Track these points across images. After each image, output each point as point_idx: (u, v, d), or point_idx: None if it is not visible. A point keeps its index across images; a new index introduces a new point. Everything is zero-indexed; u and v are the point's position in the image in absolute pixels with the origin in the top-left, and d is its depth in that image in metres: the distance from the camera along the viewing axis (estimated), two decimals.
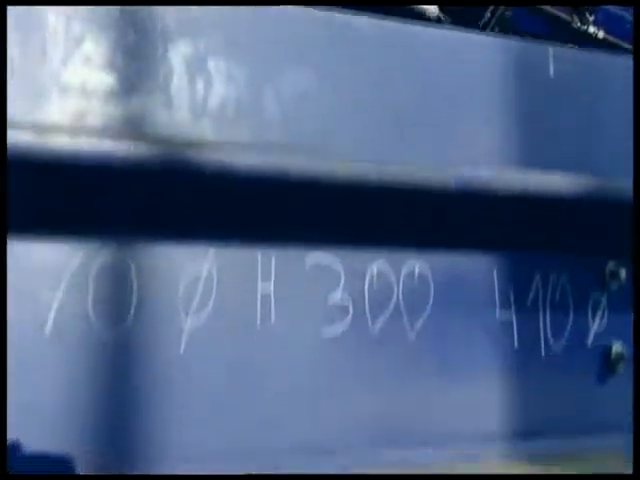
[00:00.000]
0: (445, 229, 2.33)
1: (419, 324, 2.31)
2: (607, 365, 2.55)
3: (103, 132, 1.98)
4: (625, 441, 2.30)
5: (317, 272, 2.22)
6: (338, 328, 2.23)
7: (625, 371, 2.53)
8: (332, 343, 2.21)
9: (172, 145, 2.01)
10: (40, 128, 1.87)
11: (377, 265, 2.29)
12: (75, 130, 1.94)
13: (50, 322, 1.93)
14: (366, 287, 2.28)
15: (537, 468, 2.26)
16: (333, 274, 2.24)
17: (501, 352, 2.39)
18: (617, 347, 2.56)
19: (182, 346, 2.07)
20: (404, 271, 2.32)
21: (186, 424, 2.05)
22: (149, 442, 2.02)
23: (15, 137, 1.80)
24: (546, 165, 2.33)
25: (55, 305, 1.94)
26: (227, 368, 2.11)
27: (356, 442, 2.19)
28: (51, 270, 1.95)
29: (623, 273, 2.56)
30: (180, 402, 2.04)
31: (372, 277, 2.29)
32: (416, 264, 2.33)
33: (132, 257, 2.03)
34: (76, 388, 1.96)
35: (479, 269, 2.40)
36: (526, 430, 2.38)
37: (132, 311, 2.02)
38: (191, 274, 2.09)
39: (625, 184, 2.30)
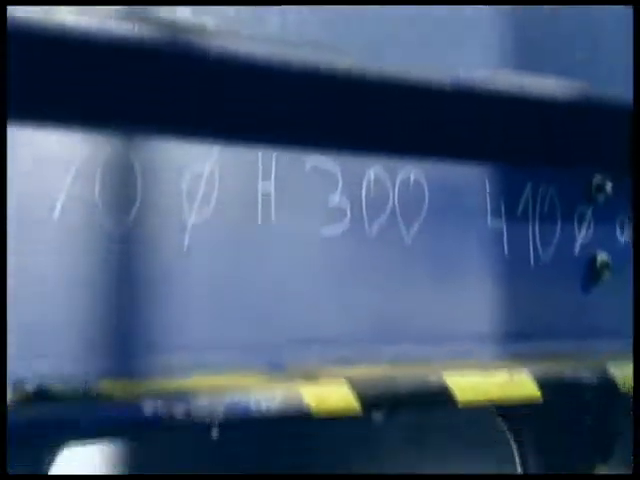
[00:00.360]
0: (440, 138, 2.37)
1: (414, 229, 2.36)
2: (592, 273, 2.62)
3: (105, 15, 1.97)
4: (610, 345, 2.39)
5: (316, 175, 2.26)
6: (337, 229, 2.27)
7: (610, 279, 2.62)
8: (331, 242, 2.25)
9: (174, 28, 2.00)
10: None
11: (374, 171, 2.34)
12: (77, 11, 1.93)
13: (58, 208, 1.95)
14: (363, 192, 2.32)
15: (530, 366, 2.33)
16: (331, 177, 2.28)
17: (492, 258, 2.45)
18: (602, 256, 2.63)
19: (185, 242, 2.10)
20: (399, 178, 2.37)
21: (187, 316, 2.08)
22: (150, 331, 2.04)
23: (18, 12, 1.79)
24: (542, 72, 2.38)
25: (63, 192, 1.96)
26: (229, 264, 2.14)
27: (355, 337, 2.24)
28: (59, 159, 1.97)
29: (609, 186, 2.63)
30: (182, 295, 2.07)
31: (369, 182, 2.33)
32: (411, 171, 2.38)
33: (136, 152, 2.05)
34: (80, 274, 1.97)
35: (472, 178, 2.45)
36: (516, 332, 2.45)
37: (137, 205, 2.04)
38: (194, 171, 2.11)
39: (619, 93, 2.36)
